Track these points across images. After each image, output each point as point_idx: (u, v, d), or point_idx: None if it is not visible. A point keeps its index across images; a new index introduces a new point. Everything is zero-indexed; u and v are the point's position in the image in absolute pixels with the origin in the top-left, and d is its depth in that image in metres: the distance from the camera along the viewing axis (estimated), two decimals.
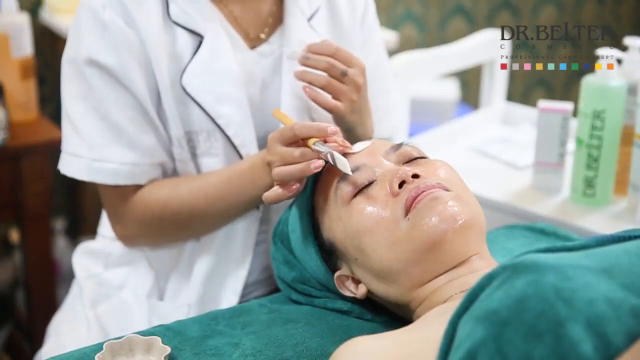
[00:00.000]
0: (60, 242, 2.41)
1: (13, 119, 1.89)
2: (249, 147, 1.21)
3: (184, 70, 1.18)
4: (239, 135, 1.20)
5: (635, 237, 0.87)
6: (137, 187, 1.21)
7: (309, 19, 1.27)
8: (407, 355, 0.83)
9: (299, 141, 1.04)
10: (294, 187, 1.04)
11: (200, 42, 1.19)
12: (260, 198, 1.11)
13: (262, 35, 1.26)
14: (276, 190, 1.05)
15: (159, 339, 1.00)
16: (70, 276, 1.39)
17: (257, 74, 1.25)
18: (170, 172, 1.24)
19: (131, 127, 1.17)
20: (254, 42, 1.26)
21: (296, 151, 1.02)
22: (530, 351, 0.69)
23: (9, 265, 2.38)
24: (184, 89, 1.18)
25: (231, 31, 1.23)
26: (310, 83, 1.18)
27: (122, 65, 1.15)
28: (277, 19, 1.28)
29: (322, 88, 1.18)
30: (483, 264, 0.97)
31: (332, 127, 1.02)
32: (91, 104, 1.17)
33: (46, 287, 2.02)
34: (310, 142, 1.02)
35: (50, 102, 2.37)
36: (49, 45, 2.34)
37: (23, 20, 1.91)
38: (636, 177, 1.41)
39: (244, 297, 1.31)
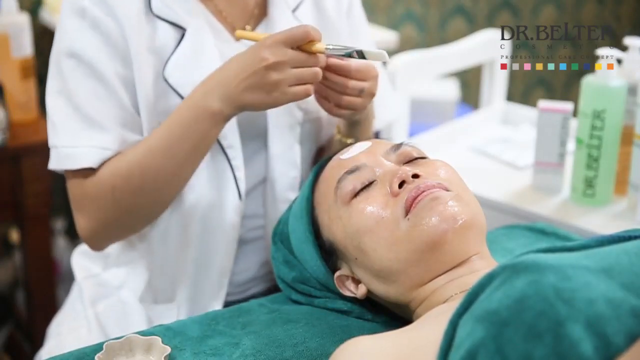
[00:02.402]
0: (60, 242, 2.40)
1: (13, 119, 1.89)
2: (230, 138, 1.20)
3: (166, 63, 1.18)
4: None
5: (635, 237, 0.87)
6: (92, 171, 1.17)
7: (294, 10, 1.27)
8: (406, 355, 0.83)
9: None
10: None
11: (183, 35, 1.18)
12: (211, 139, 1.13)
13: (248, 27, 1.26)
14: (297, 90, 1.08)
15: (159, 339, 0.99)
16: (70, 276, 1.39)
17: None
18: None
19: (104, 116, 1.15)
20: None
21: (307, 58, 1.08)
22: (530, 351, 0.69)
23: (9, 265, 2.38)
24: (167, 81, 1.17)
25: (215, 24, 1.23)
26: (325, 98, 1.17)
27: (96, 53, 1.15)
28: (262, 10, 1.28)
29: (337, 105, 1.17)
30: (483, 264, 0.97)
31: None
32: (65, 94, 1.17)
33: (46, 287, 2.02)
34: (321, 46, 1.07)
35: None
36: (49, 45, 2.32)
37: (23, 20, 1.91)
38: (636, 177, 1.41)
39: (242, 293, 1.31)
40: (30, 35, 1.94)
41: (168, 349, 0.98)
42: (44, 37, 2.32)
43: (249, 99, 1.10)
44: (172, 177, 1.16)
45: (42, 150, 1.89)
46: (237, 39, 1.20)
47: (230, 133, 1.20)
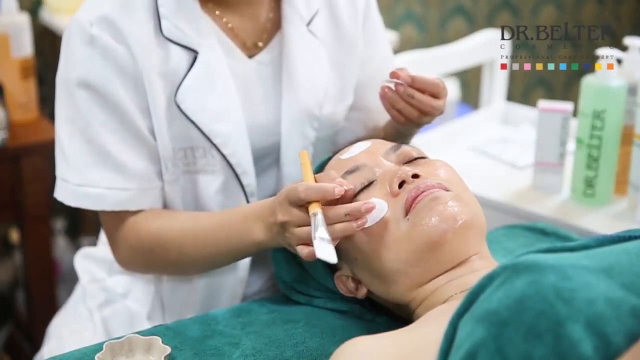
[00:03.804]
0: (60, 242, 2.40)
1: (13, 119, 1.89)
2: (244, 165, 1.18)
3: (178, 87, 1.15)
4: (235, 154, 1.17)
5: (635, 237, 0.87)
6: (134, 213, 1.16)
7: (308, 24, 1.24)
8: (406, 355, 0.83)
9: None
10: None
11: (195, 58, 1.15)
12: (248, 251, 1.10)
13: (260, 44, 1.23)
14: (301, 250, 0.98)
15: (159, 338, 0.99)
16: (70, 276, 1.39)
17: (256, 83, 1.22)
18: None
19: (119, 150, 1.13)
20: (252, 51, 1.22)
21: (306, 218, 0.97)
22: (530, 351, 0.69)
23: (9, 265, 2.37)
24: (179, 107, 1.14)
25: (228, 42, 1.20)
26: (398, 111, 1.16)
27: (109, 83, 1.12)
28: (275, 25, 1.24)
29: (408, 118, 1.16)
30: (483, 264, 0.97)
31: (338, 189, 0.96)
32: (78, 126, 1.14)
33: (46, 287, 2.02)
34: (311, 209, 0.95)
35: (50, 102, 2.35)
36: (49, 45, 2.34)
37: (23, 20, 1.91)
38: (636, 177, 1.41)
39: None
40: (30, 35, 1.93)
41: (168, 349, 0.98)
42: (44, 37, 2.32)
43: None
44: (208, 265, 1.17)
45: (42, 150, 1.90)
46: (300, 155, 1.10)
47: (244, 160, 1.18)
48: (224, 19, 1.21)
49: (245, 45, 1.22)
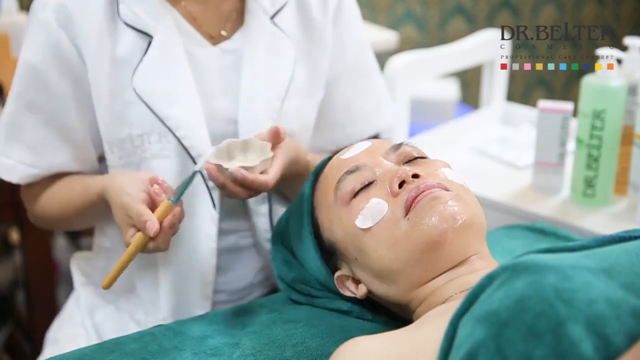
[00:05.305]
0: (60, 242, 2.41)
1: None
2: (199, 149, 1.18)
3: (134, 72, 1.16)
4: (189, 137, 1.17)
5: (636, 238, 0.87)
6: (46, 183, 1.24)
7: (273, 17, 1.25)
8: (406, 355, 0.83)
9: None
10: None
11: (150, 43, 1.17)
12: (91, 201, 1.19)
13: (224, 32, 1.24)
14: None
15: (255, 139, 1.13)
16: (70, 276, 1.40)
17: (216, 70, 1.23)
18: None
19: (35, 129, 1.20)
20: (215, 40, 1.24)
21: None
22: (530, 351, 0.69)
23: (9, 265, 2.38)
24: (134, 90, 1.16)
25: (189, 29, 1.22)
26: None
27: (45, 65, 1.16)
28: (240, 16, 1.26)
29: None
30: (483, 264, 0.97)
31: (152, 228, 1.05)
32: (11, 97, 1.20)
33: (46, 287, 2.02)
34: (164, 203, 1.07)
35: None
36: None
37: (23, 20, 1.92)
38: (636, 177, 1.41)
39: (240, 300, 1.31)
40: None
41: (268, 149, 1.11)
42: None
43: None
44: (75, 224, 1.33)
45: None
46: (107, 288, 1.11)
47: (200, 143, 1.18)
48: (187, 8, 1.23)
49: (209, 34, 1.24)
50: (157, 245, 1.07)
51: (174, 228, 1.09)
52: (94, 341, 1.27)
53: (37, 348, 1.91)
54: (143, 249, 1.07)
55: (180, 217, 1.09)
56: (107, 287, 1.07)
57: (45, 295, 2.02)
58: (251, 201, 1.25)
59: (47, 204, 1.25)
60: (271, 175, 1.11)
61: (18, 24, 1.90)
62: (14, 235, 2.38)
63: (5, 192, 1.90)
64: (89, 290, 1.32)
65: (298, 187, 1.17)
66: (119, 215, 1.10)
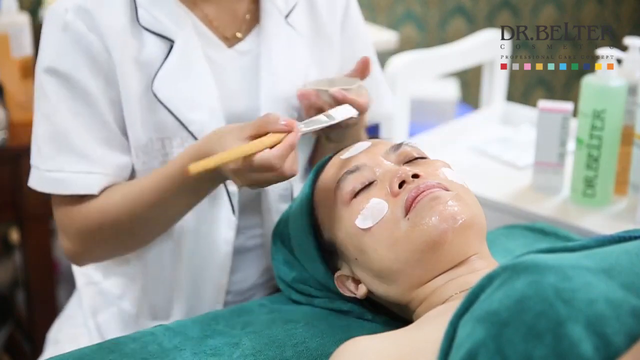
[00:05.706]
0: (60, 242, 2.40)
1: (13, 119, 1.89)
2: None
3: (154, 76, 1.15)
4: None
5: (636, 238, 0.87)
6: (80, 199, 1.16)
7: (286, 16, 1.25)
8: (406, 355, 0.83)
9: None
10: None
11: (171, 47, 1.16)
12: (201, 196, 1.12)
13: (239, 34, 1.24)
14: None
15: (340, 75, 1.19)
16: (70, 276, 1.40)
17: (234, 72, 1.23)
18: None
19: (85, 140, 1.14)
20: (231, 42, 1.23)
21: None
22: (530, 351, 0.69)
23: (9, 265, 2.38)
24: (155, 95, 1.15)
25: (206, 32, 1.21)
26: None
27: (77, 69, 1.13)
28: (254, 17, 1.26)
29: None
30: (483, 264, 0.97)
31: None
32: (44, 112, 1.15)
33: (46, 287, 2.02)
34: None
35: None
36: None
37: (23, 20, 1.92)
38: (636, 177, 1.41)
39: (243, 301, 1.31)
40: (30, 35, 1.94)
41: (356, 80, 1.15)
42: None
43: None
44: (162, 226, 1.18)
45: None
46: (190, 173, 0.98)
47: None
48: (203, 11, 1.22)
49: (224, 36, 1.23)
50: (268, 157, 0.97)
51: (293, 147, 1.00)
52: (96, 341, 1.26)
53: (37, 348, 1.91)
54: (250, 156, 0.97)
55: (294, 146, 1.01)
56: (190, 173, 0.95)
57: (45, 295, 2.02)
58: (272, 198, 1.24)
59: (109, 206, 1.15)
60: (366, 99, 1.15)
61: (18, 24, 1.90)
62: (14, 235, 2.38)
63: (6, 192, 1.91)
64: (91, 290, 1.32)
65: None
66: (229, 140, 1.01)
